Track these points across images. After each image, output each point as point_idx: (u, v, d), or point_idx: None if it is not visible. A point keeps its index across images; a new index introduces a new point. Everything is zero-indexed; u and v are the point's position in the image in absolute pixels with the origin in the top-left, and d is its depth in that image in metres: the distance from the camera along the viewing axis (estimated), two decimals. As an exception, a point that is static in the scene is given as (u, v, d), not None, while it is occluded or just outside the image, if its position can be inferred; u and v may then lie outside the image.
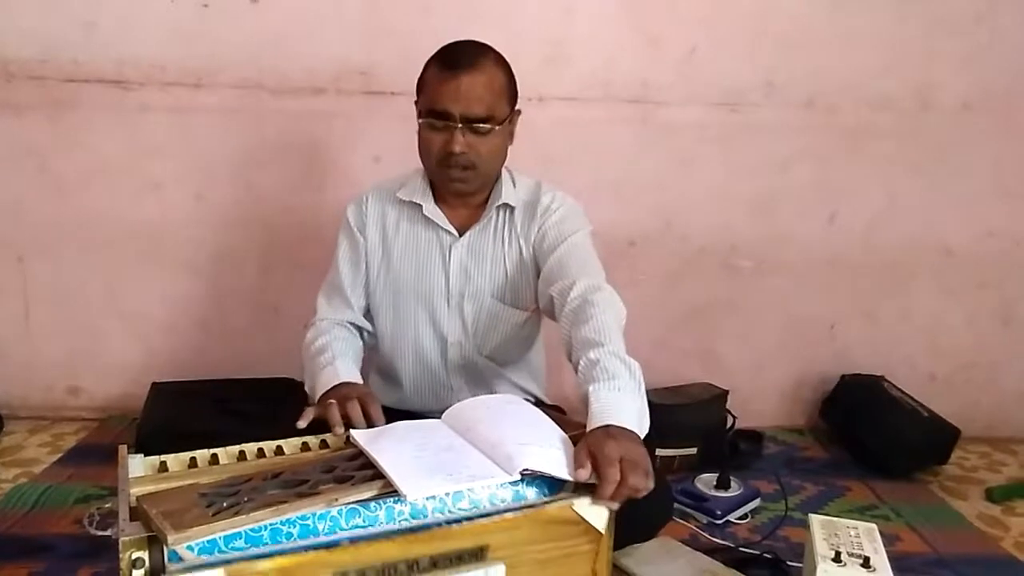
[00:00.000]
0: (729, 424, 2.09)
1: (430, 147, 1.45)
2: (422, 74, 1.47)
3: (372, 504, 0.93)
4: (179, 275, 2.23)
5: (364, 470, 1.00)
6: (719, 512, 1.73)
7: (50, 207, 2.17)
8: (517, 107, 1.52)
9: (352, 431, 1.15)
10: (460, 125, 1.41)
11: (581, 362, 1.20)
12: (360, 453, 1.06)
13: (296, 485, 0.95)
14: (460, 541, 0.93)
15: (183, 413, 1.95)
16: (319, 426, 1.22)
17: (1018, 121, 2.23)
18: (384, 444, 1.07)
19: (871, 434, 2.10)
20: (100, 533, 0.97)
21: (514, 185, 1.56)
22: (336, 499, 0.91)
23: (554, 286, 1.41)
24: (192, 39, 2.10)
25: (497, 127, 1.44)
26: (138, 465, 1.05)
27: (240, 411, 1.95)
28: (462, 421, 1.16)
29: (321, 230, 1.97)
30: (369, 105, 2.14)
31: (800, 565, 1.47)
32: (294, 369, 1.83)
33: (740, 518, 1.77)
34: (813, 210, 2.28)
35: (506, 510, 0.97)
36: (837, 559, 1.24)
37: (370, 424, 1.21)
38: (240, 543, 0.86)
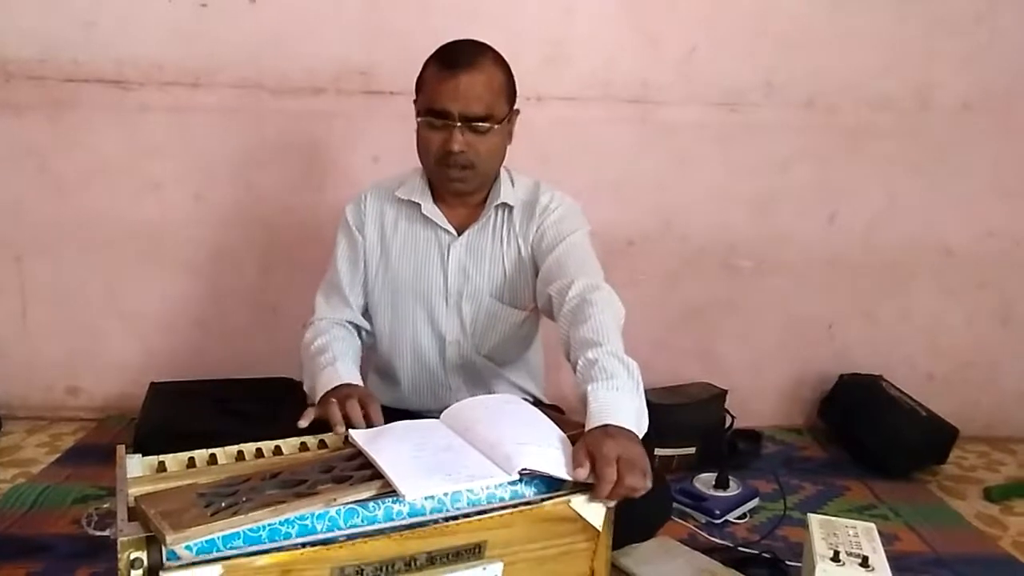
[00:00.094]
0: (728, 424, 2.09)
1: (429, 146, 1.45)
2: (421, 73, 1.47)
3: (371, 504, 0.93)
4: (178, 275, 2.23)
5: (363, 470, 1.00)
6: (718, 512, 1.73)
7: (49, 207, 2.16)
8: (516, 107, 1.52)
9: (351, 431, 1.15)
10: (459, 124, 1.41)
11: (579, 362, 1.20)
12: (359, 453, 1.06)
13: (294, 485, 0.95)
14: (457, 538, 0.93)
15: (182, 413, 1.94)
16: (319, 426, 1.22)
17: (1018, 121, 2.23)
18: (383, 444, 1.07)
19: (870, 434, 2.10)
20: (98, 533, 0.97)
21: (513, 184, 1.56)
22: (335, 499, 0.91)
23: (552, 286, 1.41)
24: (191, 39, 2.10)
25: (496, 126, 1.44)
26: (136, 465, 1.04)
27: (239, 411, 1.95)
28: (460, 421, 1.16)
29: (320, 230, 1.96)
30: (368, 105, 2.14)
31: (799, 565, 1.47)
32: (293, 369, 1.83)
33: (739, 518, 1.77)
34: (813, 210, 2.28)
35: (503, 507, 0.97)
36: (836, 558, 1.24)
37: (369, 424, 1.21)
38: (238, 543, 0.86)
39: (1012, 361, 2.36)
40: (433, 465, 1.01)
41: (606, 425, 1.07)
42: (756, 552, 1.58)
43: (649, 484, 1.01)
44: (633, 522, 1.03)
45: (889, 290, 2.32)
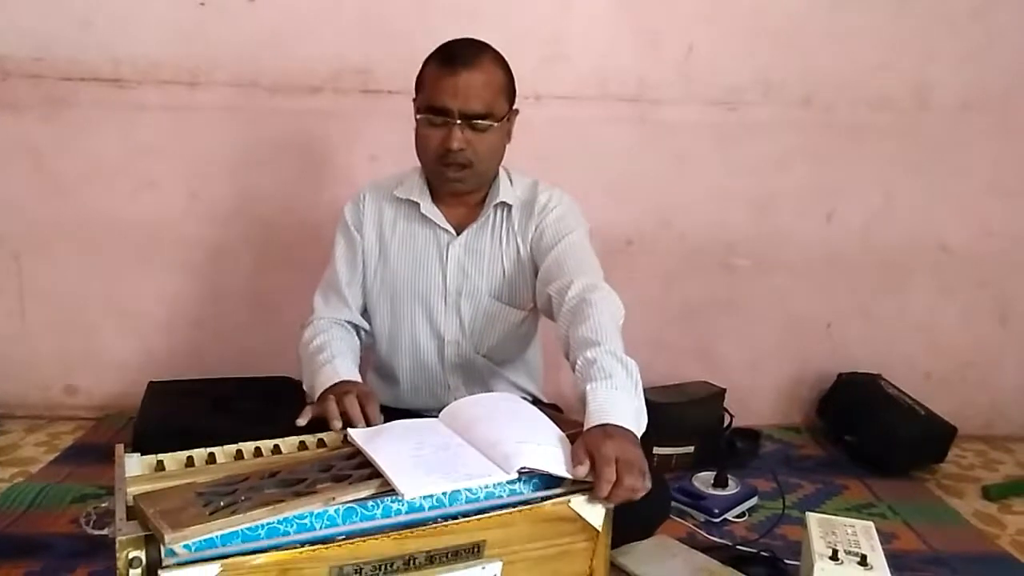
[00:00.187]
0: (726, 422, 2.09)
1: (428, 143, 1.45)
2: (421, 71, 1.47)
3: (370, 503, 0.93)
4: (176, 274, 2.23)
5: (361, 469, 1.00)
6: (716, 510, 1.73)
7: (46, 205, 2.16)
8: (515, 107, 1.52)
9: (350, 430, 1.15)
10: (459, 121, 1.41)
11: (578, 361, 1.20)
12: (357, 452, 1.06)
13: (293, 484, 0.95)
14: (456, 537, 0.93)
15: (180, 412, 1.94)
16: (318, 424, 1.22)
17: (1016, 120, 2.24)
18: (381, 443, 1.07)
19: (868, 432, 2.10)
20: (97, 532, 0.97)
21: (511, 184, 1.56)
22: (333, 498, 0.91)
23: (552, 285, 1.41)
24: (188, 38, 2.09)
25: (495, 124, 1.44)
26: (135, 464, 1.04)
27: (237, 410, 1.95)
28: (459, 420, 1.16)
29: (318, 228, 1.96)
30: (366, 104, 2.13)
31: (797, 563, 1.47)
32: (291, 368, 1.83)
33: (737, 516, 1.77)
34: (811, 209, 2.28)
35: (503, 506, 0.97)
36: (834, 557, 1.24)
37: (368, 422, 1.21)
38: (237, 542, 0.86)
39: (1010, 360, 2.36)
40: (432, 464, 1.01)
41: (605, 424, 1.07)
42: (755, 551, 1.58)
43: (648, 485, 1.01)
44: (632, 521, 1.03)
45: (887, 289, 2.32)
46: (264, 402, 1.95)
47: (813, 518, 1.37)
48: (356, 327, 1.61)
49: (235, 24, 2.09)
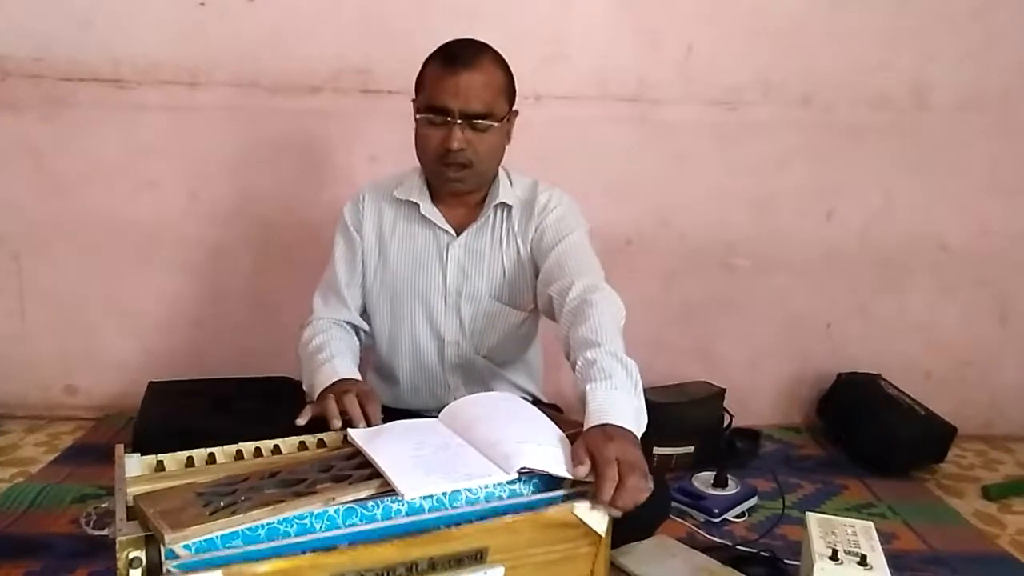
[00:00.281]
0: (726, 422, 2.09)
1: (428, 143, 1.45)
2: (421, 71, 1.47)
3: (370, 503, 0.93)
4: (175, 274, 2.23)
5: (361, 469, 1.00)
6: (716, 510, 1.73)
7: (46, 205, 2.16)
8: (515, 108, 1.52)
9: (349, 430, 1.15)
10: (459, 121, 1.41)
11: (578, 362, 1.20)
12: (358, 452, 1.06)
13: (293, 484, 0.95)
14: (459, 544, 0.93)
15: (180, 412, 1.94)
16: (318, 424, 1.22)
17: (1015, 119, 2.24)
18: (381, 443, 1.07)
19: (868, 432, 2.11)
20: (97, 533, 0.97)
21: (511, 184, 1.56)
22: (333, 498, 0.91)
23: (553, 286, 1.41)
24: (188, 38, 2.09)
25: (495, 125, 1.44)
26: (135, 464, 1.04)
27: (237, 410, 1.95)
28: (459, 420, 1.16)
29: (318, 228, 1.96)
30: (366, 104, 2.13)
31: (797, 563, 1.47)
32: (291, 368, 1.83)
33: (737, 516, 1.77)
34: (810, 208, 2.28)
35: (506, 511, 0.96)
36: (834, 557, 1.24)
37: (368, 421, 1.21)
38: (237, 542, 0.86)
39: (1010, 359, 2.37)
40: (432, 464, 1.01)
41: (604, 425, 1.06)
42: (754, 551, 1.58)
43: (651, 486, 1.01)
44: (631, 521, 1.02)
45: (887, 289, 2.32)
46: (264, 402, 1.95)
47: (813, 518, 1.37)
48: (355, 328, 1.61)
49: (235, 24, 2.09)
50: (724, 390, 2.12)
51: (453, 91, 1.40)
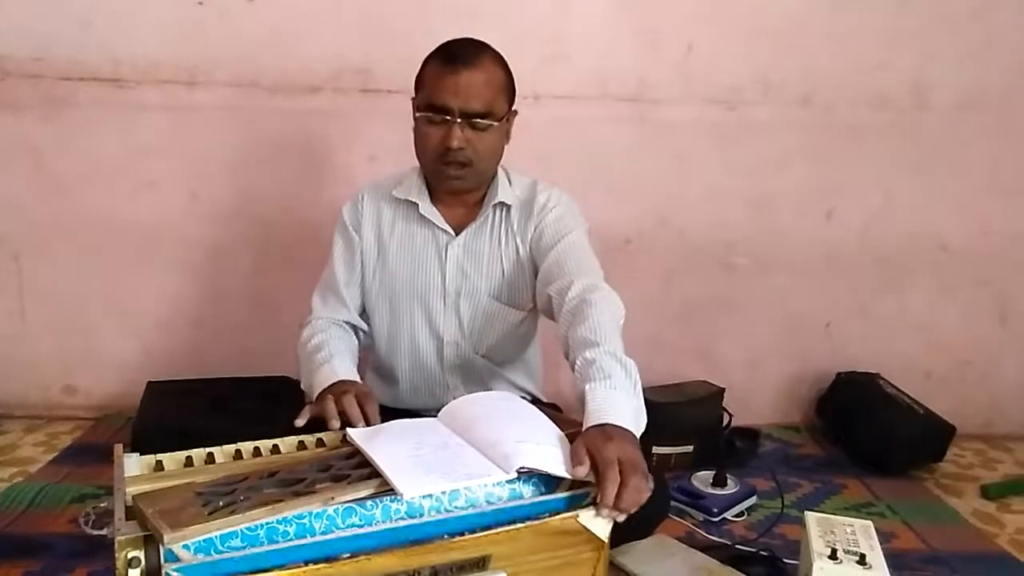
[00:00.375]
0: (725, 422, 2.09)
1: (427, 142, 1.45)
2: (421, 70, 1.47)
3: (368, 503, 0.93)
4: (175, 273, 2.23)
5: (360, 469, 1.00)
6: (715, 510, 1.74)
7: (46, 205, 2.16)
8: (514, 107, 1.52)
9: (349, 430, 1.15)
10: (459, 120, 1.41)
11: (578, 361, 1.20)
12: (356, 452, 1.06)
13: (292, 484, 0.95)
14: (461, 552, 0.93)
15: (179, 412, 1.94)
16: (317, 424, 1.21)
17: (1015, 119, 2.24)
18: (380, 443, 1.07)
19: (867, 431, 2.11)
20: (96, 532, 0.97)
21: (510, 184, 1.56)
22: (332, 498, 0.91)
23: (552, 286, 1.41)
24: (188, 37, 2.09)
25: (495, 124, 1.44)
26: (134, 464, 1.04)
27: (236, 410, 1.95)
28: (458, 419, 1.16)
29: (317, 228, 1.96)
30: (365, 103, 2.13)
31: (796, 562, 1.47)
32: (290, 368, 1.83)
33: (736, 515, 1.77)
34: (810, 208, 2.28)
35: (509, 521, 0.96)
36: (833, 556, 1.24)
37: (366, 421, 1.21)
38: (236, 542, 0.86)
39: (1009, 359, 2.37)
40: (431, 463, 1.01)
41: (604, 425, 1.06)
42: (754, 550, 1.58)
43: (651, 486, 1.01)
44: (631, 520, 1.02)
45: (887, 288, 2.32)
46: (263, 402, 1.95)
47: (812, 517, 1.37)
48: (354, 328, 1.61)
49: (235, 24, 2.09)
50: (723, 389, 2.12)
51: (453, 90, 1.40)
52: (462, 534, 0.92)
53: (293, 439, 1.15)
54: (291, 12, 2.09)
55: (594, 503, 0.99)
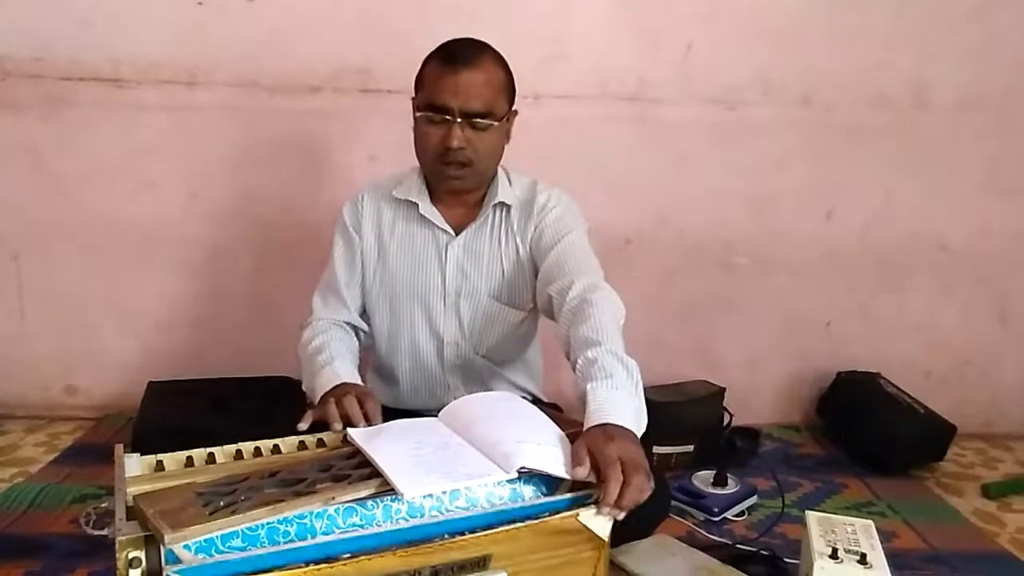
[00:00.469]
0: (726, 421, 2.09)
1: (427, 142, 1.45)
2: (421, 70, 1.47)
3: (369, 503, 0.93)
4: (175, 274, 2.23)
5: (361, 469, 1.00)
6: (716, 509, 1.74)
7: (46, 205, 2.16)
8: (514, 107, 1.52)
9: (349, 430, 1.15)
10: (459, 120, 1.41)
11: (579, 361, 1.20)
12: (357, 452, 1.06)
13: (293, 484, 0.95)
14: (462, 552, 0.92)
15: (180, 412, 1.94)
16: (320, 428, 1.21)
17: (1015, 119, 2.24)
18: (381, 443, 1.07)
19: (868, 431, 2.11)
20: (97, 532, 0.97)
21: (510, 184, 1.56)
22: (333, 498, 0.91)
23: (553, 286, 1.41)
24: (188, 37, 2.09)
25: (495, 124, 1.44)
26: (135, 464, 1.04)
27: (237, 410, 1.95)
28: (459, 419, 1.16)
29: (317, 228, 1.96)
30: (365, 103, 2.13)
31: (797, 562, 1.47)
32: (291, 368, 1.83)
33: (737, 515, 1.77)
34: (810, 207, 2.28)
35: (509, 520, 0.96)
36: (834, 556, 1.24)
37: (367, 419, 1.21)
38: (237, 542, 0.86)
39: (1009, 358, 2.37)
40: (432, 463, 1.01)
41: (605, 424, 1.06)
42: (754, 549, 1.58)
43: (652, 485, 1.01)
44: (631, 520, 1.02)
45: (887, 288, 2.32)
46: (263, 402, 1.95)
47: (813, 517, 1.37)
48: (355, 328, 1.61)
49: (234, 24, 2.09)
50: (724, 389, 2.12)
51: (453, 89, 1.40)
52: (462, 534, 0.92)
53: (294, 439, 1.15)
54: (291, 12, 2.09)
55: (595, 503, 0.99)
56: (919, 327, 2.34)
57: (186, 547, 0.83)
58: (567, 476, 1.01)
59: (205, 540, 0.84)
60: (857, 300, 2.33)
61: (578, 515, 0.98)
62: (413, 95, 1.49)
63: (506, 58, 1.48)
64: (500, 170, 1.56)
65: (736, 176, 2.24)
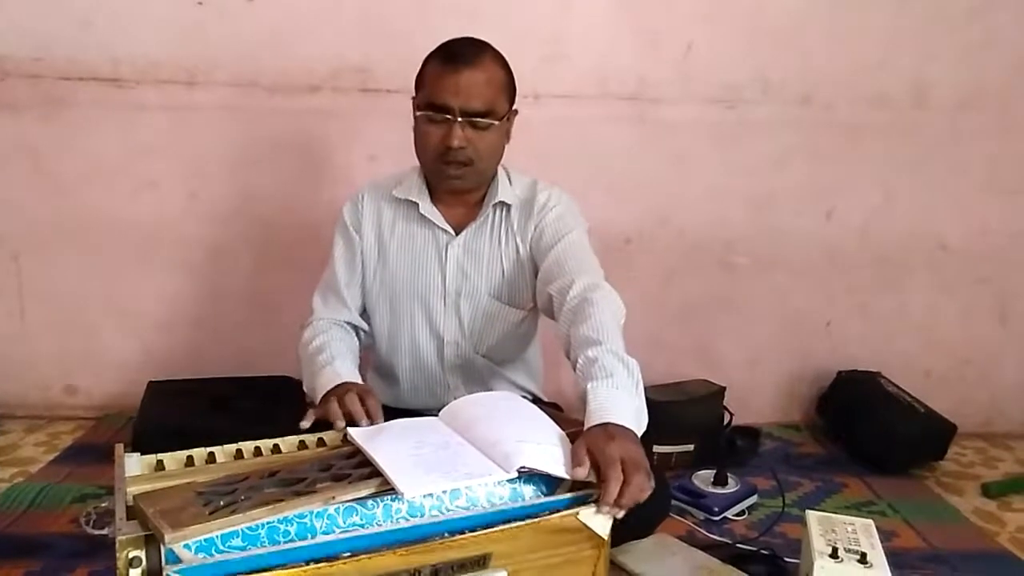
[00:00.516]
0: (726, 420, 2.09)
1: (428, 141, 1.45)
2: (421, 69, 1.47)
3: (369, 502, 0.93)
4: (175, 273, 2.23)
5: (361, 468, 1.00)
6: (716, 508, 1.74)
7: (45, 205, 2.16)
8: (515, 107, 1.52)
9: (349, 429, 1.15)
10: (459, 119, 1.41)
11: (579, 360, 1.20)
12: (357, 451, 1.06)
13: (293, 483, 0.95)
14: (462, 551, 0.92)
15: (180, 411, 1.94)
16: (322, 427, 1.21)
17: (1014, 118, 2.24)
18: (381, 442, 1.07)
19: (868, 430, 2.11)
20: (97, 532, 0.97)
21: (510, 183, 1.56)
22: (333, 497, 0.91)
23: (553, 285, 1.41)
24: (188, 37, 2.09)
25: (495, 123, 1.44)
26: (135, 464, 1.04)
27: (237, 410, 1.95)
28: (459, 419, 1.16)
29: (317, 228, 1.96)
30: (365, 103, 2.13)
31: (797, 561, 1.47)
32: (291, 367, 1.83)
33: (737, 514, 1.77)
34: (809, 207, 2.28)
35: (509, 519, 0.96)
36: (834, 555, 1.24)
37: (369, 416, 1.21)
38: (237, 542, 0.86)
39: (1009, 357, 2.37)
40: (432, 463, 1.01)
41: (605, 424, 1.06)
42: (754, 549, 1.58)
43: (653, 485, 1.01)
44: (631, 519, 1.02)
45: (886, 287, 2.32)
46: (263, 402, 1.95)
47: (813, 516, 1.37)
48: (355, 328, 1.61)
49: (234, 24, 2.08)
50: (724, 388, 2.12)
51: (454, 89, 1.40)
52: (462, 533, 0.92)
53: (294, 439, 1.15)
54: (291, 12, 2.09)
55: (595, 502, 0.99)
56: (919, 326, 2.34)
57: (186, 547, 0.83)
58: (567, 476, 1.01)
59: (205, 540, 0.84)
60: (857, 299, 2.33)
61: (578, 514, 0.98)
62: (413, 94, 1.49)
63: (506, 57, 1.48)
64: (500, 169, 1.56)
65: (736, 175, 2.24)
